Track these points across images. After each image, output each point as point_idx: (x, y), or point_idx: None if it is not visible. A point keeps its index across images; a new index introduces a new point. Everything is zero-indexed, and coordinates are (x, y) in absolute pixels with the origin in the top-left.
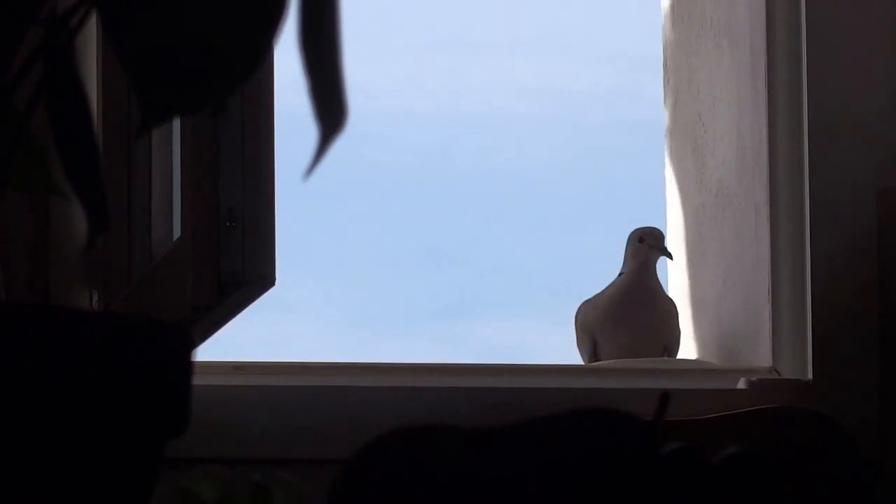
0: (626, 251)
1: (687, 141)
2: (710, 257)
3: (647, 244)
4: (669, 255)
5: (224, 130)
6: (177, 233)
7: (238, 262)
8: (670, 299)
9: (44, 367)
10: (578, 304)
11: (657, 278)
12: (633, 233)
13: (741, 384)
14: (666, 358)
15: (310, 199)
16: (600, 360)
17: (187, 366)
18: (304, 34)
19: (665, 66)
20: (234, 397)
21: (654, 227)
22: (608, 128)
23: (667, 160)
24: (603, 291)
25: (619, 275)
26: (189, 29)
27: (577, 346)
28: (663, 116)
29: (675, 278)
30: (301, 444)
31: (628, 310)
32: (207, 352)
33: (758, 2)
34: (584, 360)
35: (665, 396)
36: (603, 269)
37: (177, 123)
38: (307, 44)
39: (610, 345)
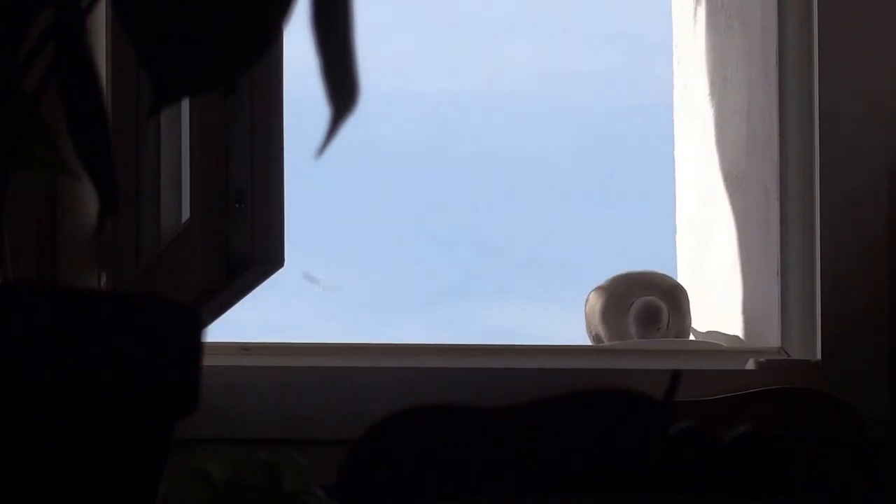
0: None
1: (697, 122)
2: (720, 239)
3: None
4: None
5: (233, 112)
6: (186, 214)
7: (247, 244)
8: (676, 289)
9: (53, 347)
10: (584, 285)
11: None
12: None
13: (750, 365)
14: (675, 339)
15: (318, 180)
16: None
17: (197, 346)
18: (317, 13)
19: (675, 46)
20: (243, 378)
21: (650, 304)
22: (617, 109)
23: (677, 142)
24: (604, 286)
25: None
26: (199, 9)
27: (587, 332)
28: (673, 98)
29: (684, 260)
30: (309, 424)
31: (627, 325)
32: (216, 333)
33: None
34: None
35: (676, 375)
36: (611, 251)
37: (186, 105)
38: (319, 23)
39: (612, 339)
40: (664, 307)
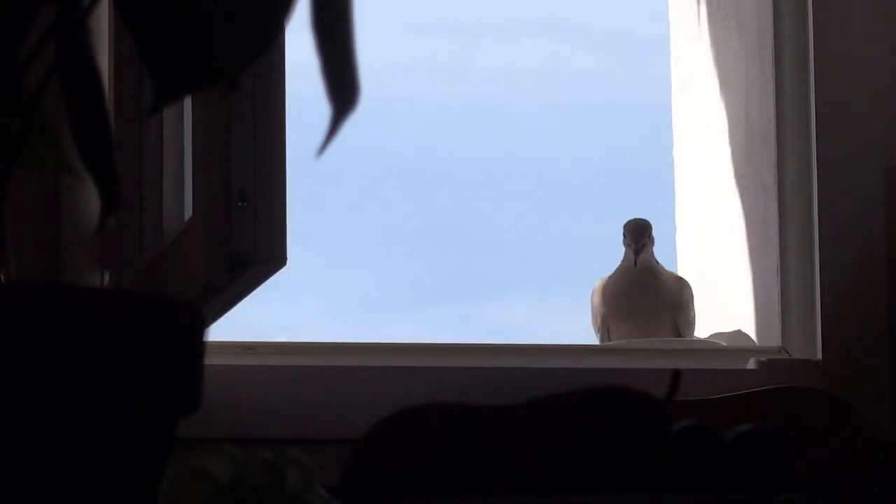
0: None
1: (695, 122)
2: (720, 238)
3: (625, 240)
4: (635, 256)
5: (236, 110)
6: (188, 213)
7: (249, 243)
8: (680, 282)
9: (55, 346)
10: (585, 285)
11: (653, 265)
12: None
13: (751, 364)
14: (676, 338)
15: (320, 179)
16: (612, 339)
17: (200, 345)
18: (317, 12)
19: (673, 47)
20: (246, 377)
21: (636, 221)
22: (616, 110)
23: (675, 142)
24: (612, 274)
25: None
26: (201, 6)
27: (592, 323)
28: (671, 98)
29: (684, 259)
30: (312, 423)
31: (627, 297)
32: (219, 332)
33: None
34: (597, 337)
35: (677, 374)
36: (612, 250)
37: (188, 103)
38: (320, 22)
39: (618, 327)
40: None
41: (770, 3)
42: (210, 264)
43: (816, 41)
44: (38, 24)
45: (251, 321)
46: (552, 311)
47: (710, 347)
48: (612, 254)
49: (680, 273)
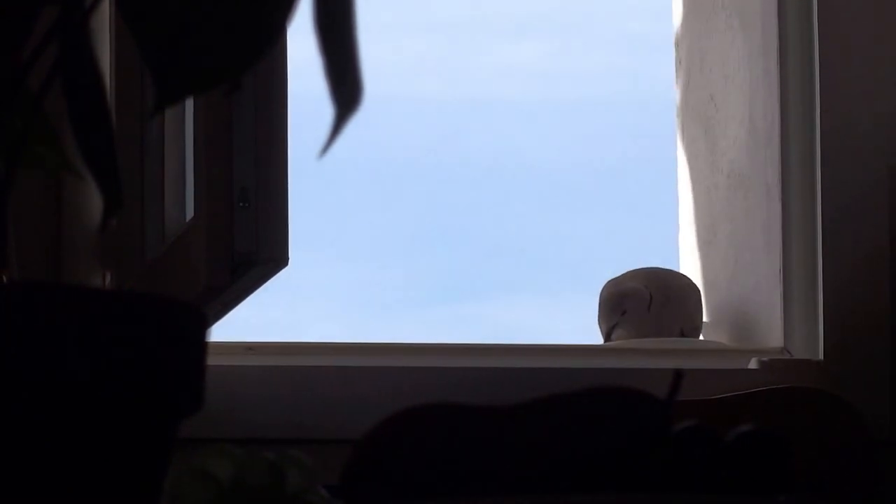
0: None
1: (698, 122)
2: (722, 238)
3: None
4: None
5: (237, 110)
6: (190, 213)
7: (251, 243)
8: (688, 286)
9: (56, 346)
10: (585, 285)
11: (660, 273)
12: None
13: (753, 364)
14: (677, 338)
15: (322, 179)
16: (618, 338)
17: (202, 345)
18: (319, 13)
19: (676, 46)
20: (248, 378)
21: (607, 289)
22: (619, 108)
23: (678, 141)
24: (619, 278)
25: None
26: (204, 7)
27: (598, 322)
28: (675, 97)
29: (686, 259)
30: (314, 423)
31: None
32: (220, 332)
33: None
34: (602, 336)
35: (678, 374)
36: (614, 251)
37: (190, 103)
38: (322, 22)
39: (626, 328)
40: (627, 295)
41: (775, 1)
42: (211, 265)
43: (821, 40)
44: (39, 24)
45: (252, 321)
46: (553, 310)
47: (710, 347)
48: (613, 253)
49: (681, 272)
